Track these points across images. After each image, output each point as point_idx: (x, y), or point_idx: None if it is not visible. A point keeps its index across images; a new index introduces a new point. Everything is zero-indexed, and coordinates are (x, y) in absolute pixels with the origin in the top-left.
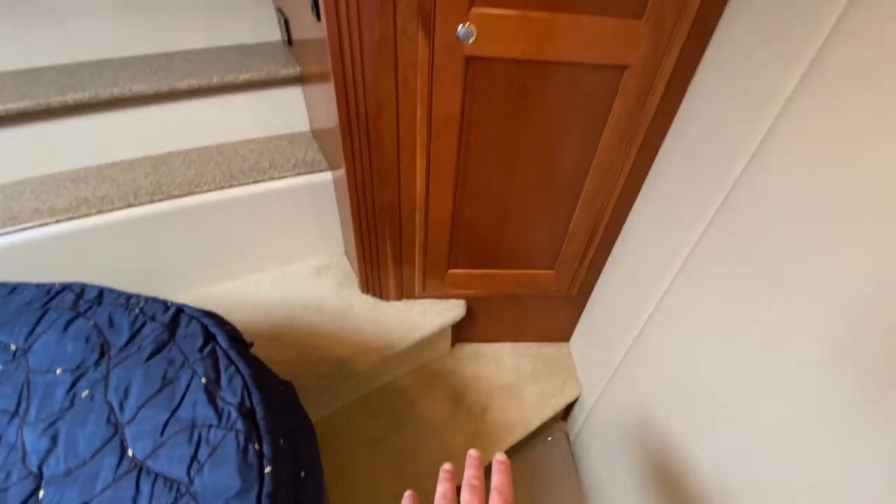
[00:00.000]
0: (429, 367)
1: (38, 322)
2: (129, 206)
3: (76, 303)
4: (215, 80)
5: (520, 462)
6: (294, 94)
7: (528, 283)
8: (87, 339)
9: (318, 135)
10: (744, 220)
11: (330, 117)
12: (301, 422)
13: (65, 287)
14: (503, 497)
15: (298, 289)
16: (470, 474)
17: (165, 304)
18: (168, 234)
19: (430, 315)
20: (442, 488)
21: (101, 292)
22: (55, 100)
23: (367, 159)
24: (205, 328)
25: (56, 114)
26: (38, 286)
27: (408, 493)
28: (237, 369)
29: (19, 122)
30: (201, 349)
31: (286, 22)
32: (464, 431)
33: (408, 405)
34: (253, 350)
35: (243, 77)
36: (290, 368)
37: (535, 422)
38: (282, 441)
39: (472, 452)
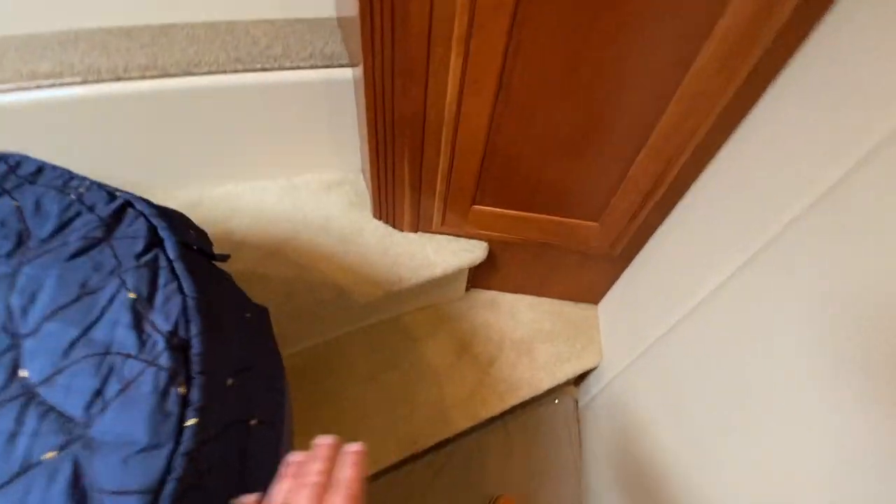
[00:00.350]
0: (438, 308)
1: None
2: (119, 79)
3: (5, 176)
4: None
5: (521, 420)
6: None
7: (564, 234)
8: (3, 223)
9: (343, 23)
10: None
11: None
12: (265, 359)
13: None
14: (350, 496)
15: (305, 203)
16: (314, 469)
17: (112, 195)
18: (161, 118)
19: (445, 253)
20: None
21: (41, 168)
22: None
23: (390, 52)
24: (152, 230)
25: None
26: None
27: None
28: (179, 288)
29: None
30: (139, 256)
31: None
32: (465, 381)
33: (409, 345)
34: (245, 263)
35: None
36: (284, 288)
37: (545, 384)
38: (229, 382)
39: (322, 440)
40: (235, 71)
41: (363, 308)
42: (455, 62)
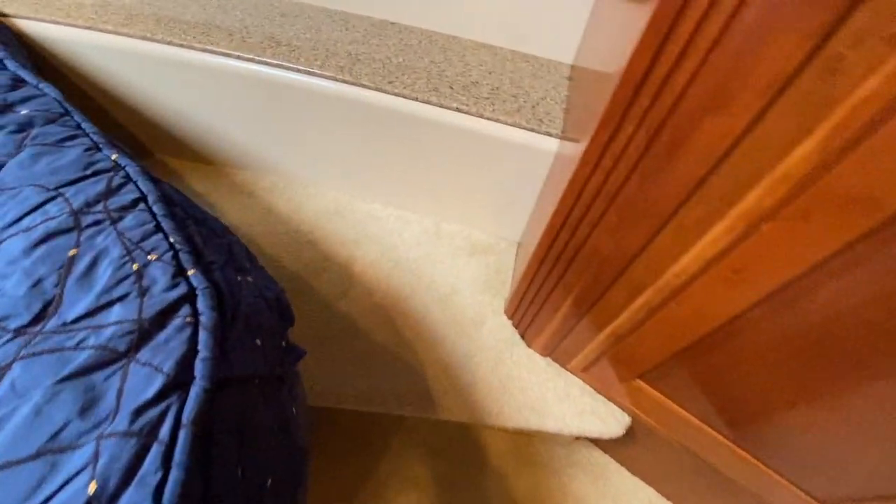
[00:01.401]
0: (529, 439)
1: None
2: (310, 73)
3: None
4: None
5: None
6: (577, 4)
7: (756, 482)
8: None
9: (578, 76)
10: None
11: (616, 55)
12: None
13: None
14: None
15: (440, 260)
16: None
17: (179, 272)
18: (331, 119)
19: (568, 406)
20: None
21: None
22: None
23: (634, 158)
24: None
25: None
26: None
27: None
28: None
29: None
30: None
31: None
32: None
33: (476, 469)
34: (349, 305)
35: None
36: (363, 353)
37: None
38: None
39: None
40: (427, 102)
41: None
42: (717, 235)
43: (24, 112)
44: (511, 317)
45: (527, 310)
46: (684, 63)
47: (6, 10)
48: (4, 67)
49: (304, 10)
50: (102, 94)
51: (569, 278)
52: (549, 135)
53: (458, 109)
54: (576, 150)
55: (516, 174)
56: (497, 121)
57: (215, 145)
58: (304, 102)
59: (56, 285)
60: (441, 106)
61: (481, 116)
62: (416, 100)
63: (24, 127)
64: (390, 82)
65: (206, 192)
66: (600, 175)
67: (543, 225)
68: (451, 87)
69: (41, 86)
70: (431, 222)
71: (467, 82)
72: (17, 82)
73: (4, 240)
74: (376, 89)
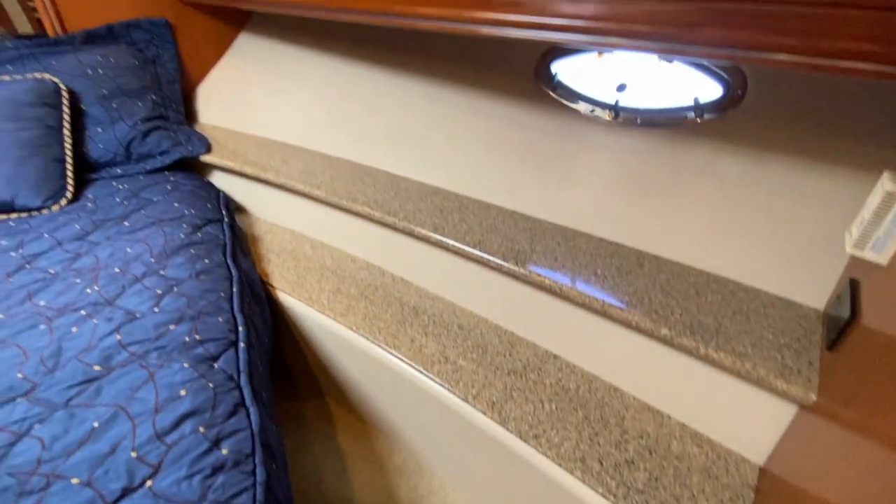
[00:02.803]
0: None
1: None
2: (465, 400)
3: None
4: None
5: None
6: (778, 412)
7: None
8: None
9: (769, 485)
10: None
11: None
12: None
13: None
14: None
15: None
16: None
17: None
18: (470, 442)
19: None
20: None
21: None
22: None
23: None
24: None
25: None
26: None
27: None
28: None
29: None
30: None
31: (853, 302)
32: None
33: None
34: None
35: (721, 355)
36: None
37: None
38: None
39: None
40: (570, 472)
41: None
42: None
43: None
44: None
45: None
46: None
47: (274, 283)
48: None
49: (475, 330)
50: (305, 341)
51: None
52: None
53: (602, 496)
54: None
55: None
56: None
57: (374, 413)
58: (451, 420)
59: None
60: (583, 482)
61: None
62: (560, 466)
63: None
64: (535, 435)
65: (348, 450)
66: None
67: None
68: (601, 462)
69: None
70: None
71: (620, 459)
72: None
73: None
74: (519, 437)
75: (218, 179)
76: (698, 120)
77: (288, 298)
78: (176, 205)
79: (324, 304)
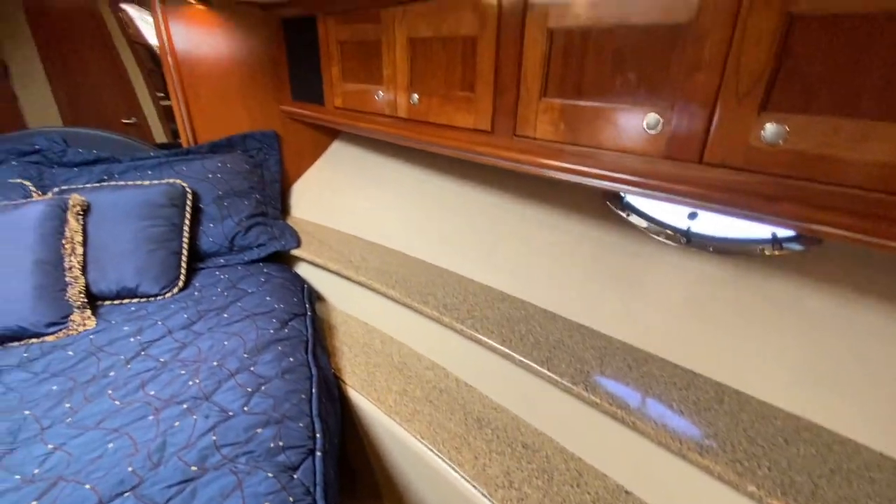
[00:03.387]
0: None
1: None
2: None
3: None
4: None
5: None
6: None
7: None
8: None
9: None
10: None
11: None
12: None
13: None
14: None
15: None
16: None
17: None
18: None
19: None
20: None
21: None
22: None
23: None
24: None
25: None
26: None
27: None
28: None
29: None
30: None
31: None
32: None
33: None
34: None
35: None
36: None
37: None
38: None
39: None
40: None
41: None
42: None
43: None
44: None
45: None
46: None
47: (346, 380)
48: None
49: (540, 451)
50: (370, 440)
51: None
52: None
53: None
54: None
55: None
56: None
57: None
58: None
59: None
60: None
61: None
62: None
63: None
64: None
65: None
66: None
67: None
68: None
69: None
70: None
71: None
72: None
73: None
74: None
75: (303, 268)
76: (776, 252)
77: (358, 396)
78: (267, 298)
79: (391, 407)
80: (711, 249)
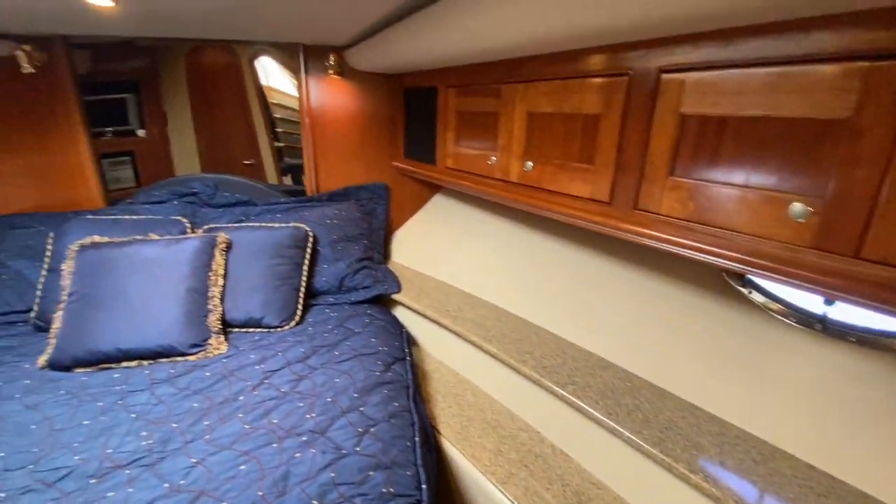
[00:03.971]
0: None
1: None
2: None
3: None
4: None
5: None
6: None
7: None
8: None
9: None
10: None
11: None
12: None
13: None
14: None
15: None
16: None
17: None
18: None
19: None
20: None
21: None
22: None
23: None
24: None
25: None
26: None
27: None
28: None
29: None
30: None
31: None
32: None
33: None
34: None
35: None
36: None
37: None
38: None
39: None
40: None
41: None
42: None
43: None
44: None
45: None
46: None
47: (441, 430)
48: None
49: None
50: (461, 495)
51: None
52: None
53: None
54: None
55: None
56: None
57: None
58: None
59: None
60: None
61: None
62: None
63: None
64: None
65: None
66: None
67: None
68: None
69: None
70: None
71: None
72: None
73: None
74: None
75: (400, 311)
76: None
77: (452, 449)
78: (372, 340)
79: (486, 466)
80: (854, 340)
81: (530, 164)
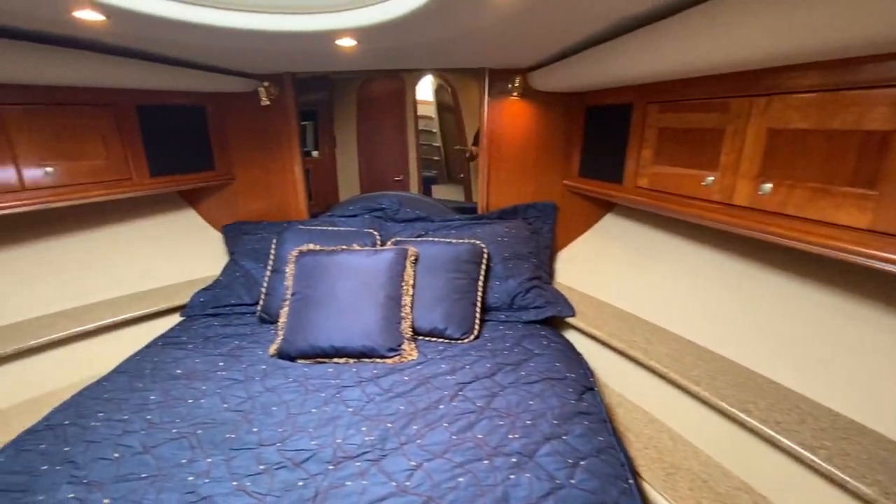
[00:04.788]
0: None
1: None
2: None
3: None
4: None
5: None
6: None
7: None
8: None
9: None
10: None
11: None
12: None
13: None
14: None
15: None
16: None
17: None
18: None
19: None
20: None
21: None
22: None
23: None
24: None
25: None
26: None
27: None
28: None
29: None
30: None
31: None
32: None
33: None
34: None
35: None
36: None
37: None
38: None
39: None
40: None
41: None
42: None
43: None
44: None
45: None
46: None
47: (642, 474)
48: None
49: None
50: None
51: None
52: None
53: None
54: None
55: None
56: None
57: None
58: None
59: None
60: None
61: None
62: None
63: None
64: None
65: None
66: None
67: None
68: None
69: None
70: None
71: None
72: None
73: None
74: None
75: (573, 336)
76: None
77: (658, 498)
78: (557, 364)
79: None
80: None
81: (768, 186)
